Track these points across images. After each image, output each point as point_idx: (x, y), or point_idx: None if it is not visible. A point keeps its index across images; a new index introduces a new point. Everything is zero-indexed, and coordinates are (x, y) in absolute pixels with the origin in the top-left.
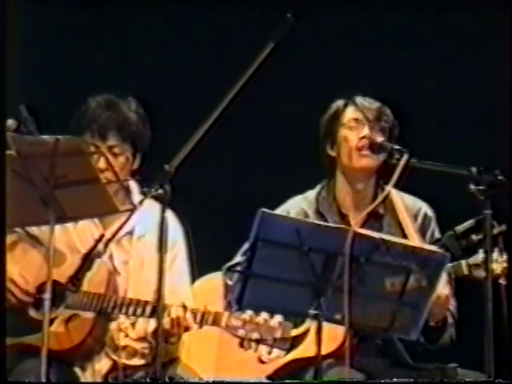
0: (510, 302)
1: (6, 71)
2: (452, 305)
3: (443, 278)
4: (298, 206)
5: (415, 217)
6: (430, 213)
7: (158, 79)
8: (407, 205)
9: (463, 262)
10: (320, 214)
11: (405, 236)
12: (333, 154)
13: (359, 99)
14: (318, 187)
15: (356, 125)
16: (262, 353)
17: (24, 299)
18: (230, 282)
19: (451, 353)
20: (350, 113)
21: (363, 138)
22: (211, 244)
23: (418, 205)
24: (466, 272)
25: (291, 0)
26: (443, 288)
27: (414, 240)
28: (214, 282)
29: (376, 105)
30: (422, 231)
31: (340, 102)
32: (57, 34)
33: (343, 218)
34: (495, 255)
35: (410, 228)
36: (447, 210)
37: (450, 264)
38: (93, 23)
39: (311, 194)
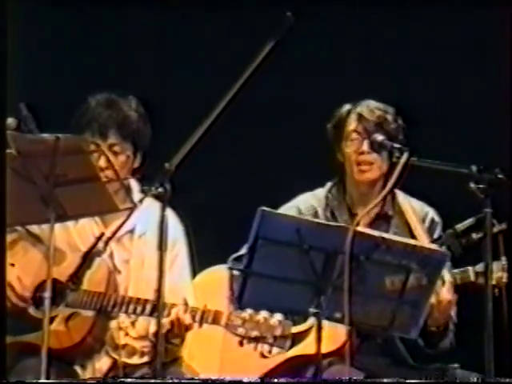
0: (510, 303)
1: (6, 70)
2: (453, 310)
3: (449, 283)
4: (307, 203)
5: (423, 221)
6: (437, 218)
7: (159, 78)
8: (415, 208)
9: (470, 269)
10: (330, 212)
11: (413, 237)
12: (341, 159)
13: (361, 108)
14: (329, 185)
15: (357, 137)
16: (262, 351)
17: (19, 304)
18: (235, 272)
19: (452, 354)
20: (352, 123)
21: (362, 153)
22: (212, 243)
23: (425, 209)
24: (472, 279)
25: None
26: (447, 293)
27: (424, 241)
28: (217, 274)
29: (377, 114)
30: (429, 235)
31: (343, 110)
32: (57, 34)
33: (353, 216)
34: (502, 263)
35: (419, 229)
36: (447, 208)
37: (457, 270)
38: (93, 23)
39: (321, 191)
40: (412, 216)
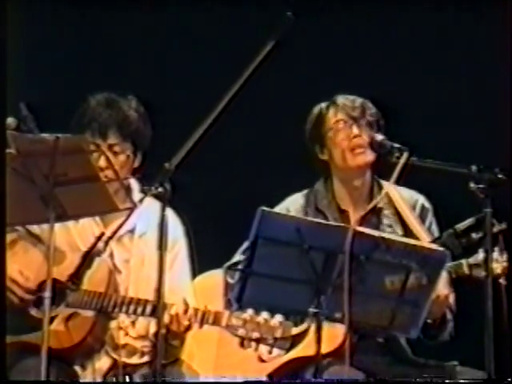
0: (510, 301)
1: (6, 70)
2: (451, 300)
3: (443, 277)
4: (297, 204)
5: (413, 208)
6: (428, 205)
7: (159, 78)
8: (404, 197)
9: (464, 262)
10: (319, 211)
11: (405, 226)
12: (324, 157)
13: (340, 99)
14: (316, 185)
15: (343, 126)
16: (262, 352)
17: (25, 297)
18: (230, 281)
19: (452, 351)
20: (334, 115)
21: (354, 137)
22: (212, 242)
23: (414, 197)
24: (466, 271)
25: None
26: (443, 288)
27: (417, 229)
28: (215, 278)
29: (358, 101)
30: (421, 222)
31: (322, 106)
32: (57, 34)
33: (343, 213)
34: (495, 255)
35: (410, 217)
36: (447, 208)
37: (451, 263)
38: (93, 23)
39: (309, 191)
40: (402, 205)
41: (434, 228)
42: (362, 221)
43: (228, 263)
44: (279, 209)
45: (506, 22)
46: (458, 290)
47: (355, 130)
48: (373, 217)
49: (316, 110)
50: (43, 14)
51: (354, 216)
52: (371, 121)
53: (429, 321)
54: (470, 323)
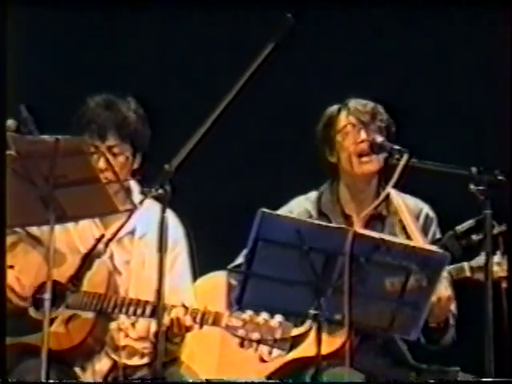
0: (511, 304)
1: (6, 71)
2: (453, 306)
3: (445, 279)
4: (301, 207)
5: (417, 218)
6: (432, 214)
7: (158, 79)
8: (409, 206)
9: (465, 264)
10: (323, 215)
11: (408, 236)
12: (333, 159)
13: (352, 103)
14: (321, 188)
15: (352, 130)
16: (262, 353)
17: (21, 304)
18: (233, 282)
19: (452, 354)
20: (344, 118)
21: (361, 142)
22: (212, 244)
23: (419, 206)
24: (468, 274)
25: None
26: (445, 289)
27: (418, 240)
28: (216, 280)
29: (369, 106)
30: (424, 232)
31: (333, 108)
32: (57, 34)
33: (347, 218)
34: (497, 258)
35: (413, 228)
36: (447, 210)
37: (453, 266)
38: (93, 23)
39: (314, 194)
40: (406, 214)
41: (438, 237)
42: (366, 226)
43: (231, 265)
44: (283, 211)
45: (506, 22)
46: (459, 294)
47: (363, 135)
48: (377, 224)
49: (328, 112)
50: (43, 14)
51: (358, 221)
52: (381, 126)
53: (433, 324)
54: (471, 327)
